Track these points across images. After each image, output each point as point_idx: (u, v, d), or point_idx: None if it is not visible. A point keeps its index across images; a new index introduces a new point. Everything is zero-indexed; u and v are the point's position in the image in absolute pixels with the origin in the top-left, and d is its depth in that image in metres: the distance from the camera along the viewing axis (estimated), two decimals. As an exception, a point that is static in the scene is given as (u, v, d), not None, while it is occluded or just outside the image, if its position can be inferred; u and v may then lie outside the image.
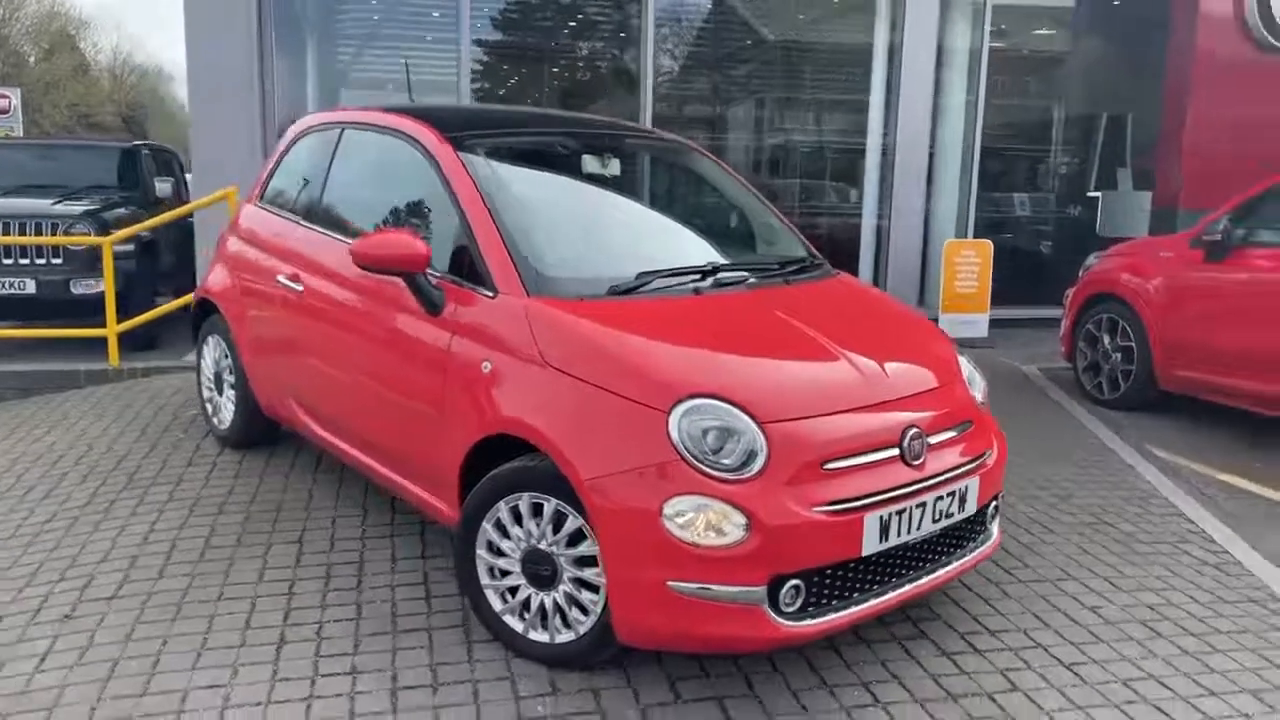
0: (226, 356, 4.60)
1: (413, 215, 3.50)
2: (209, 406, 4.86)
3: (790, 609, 2.66)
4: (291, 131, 4.51)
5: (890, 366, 3.06)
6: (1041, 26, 10.67)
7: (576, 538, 2.82)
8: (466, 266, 3.22)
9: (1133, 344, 6.23)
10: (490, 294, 3.10)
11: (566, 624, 2.89)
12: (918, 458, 2.88)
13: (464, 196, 3.30)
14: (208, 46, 7.37)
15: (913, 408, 2.97)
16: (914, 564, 2.94)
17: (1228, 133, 9.03)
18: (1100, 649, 3.14)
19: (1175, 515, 4.37)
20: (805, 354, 3.02)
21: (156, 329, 7.01)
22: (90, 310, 6.76)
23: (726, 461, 2.62)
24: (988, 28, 9.23)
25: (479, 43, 8.71)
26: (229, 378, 4.62)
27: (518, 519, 2.92)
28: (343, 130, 4.05)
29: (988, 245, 8.59)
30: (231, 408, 4.64)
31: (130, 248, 6.96)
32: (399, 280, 3.29)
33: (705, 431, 2.64)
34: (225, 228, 4.87)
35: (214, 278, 4.65)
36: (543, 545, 2.88)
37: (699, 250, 3.66)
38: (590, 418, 2.75)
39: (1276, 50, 8.91)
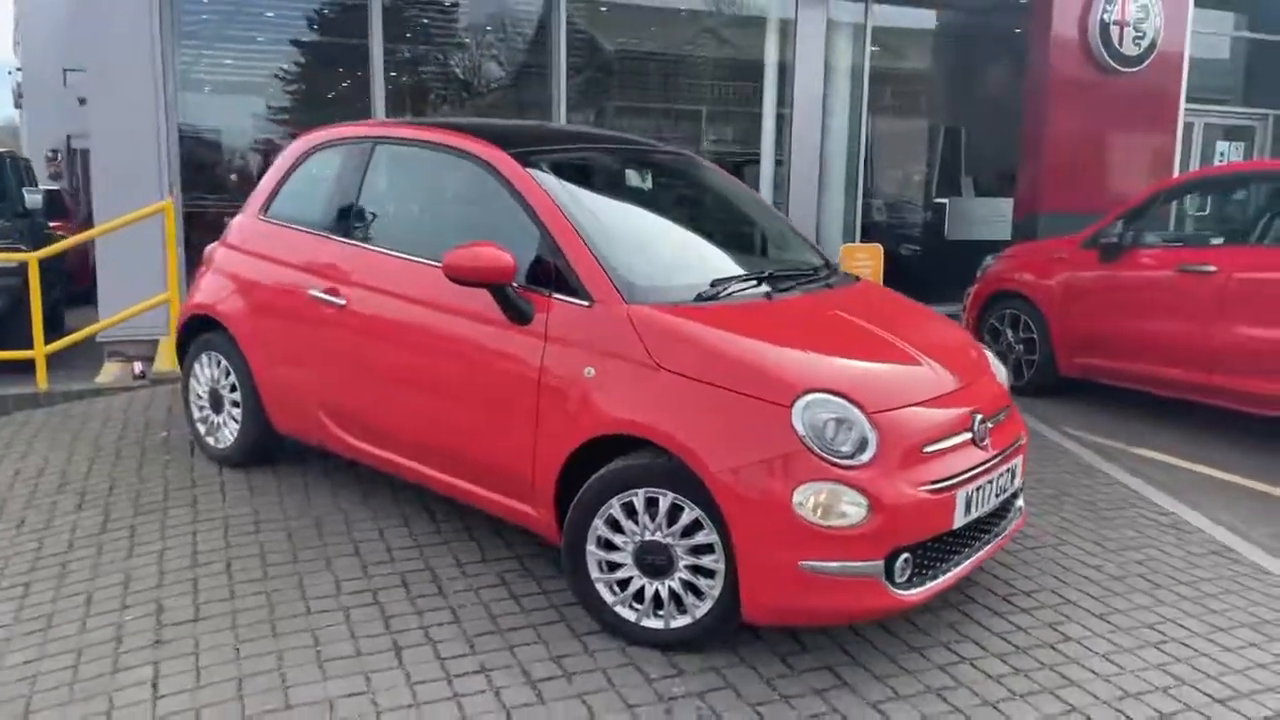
0: (228, 374, 4.51)
1: (477, 228, 3.59)
2: (200, 426, 4.73)
3: (901, 579, 2.97)
4: (297, 147, 4.47)
5: (945, 359, 3.44)
6: (912, 48, 11.52)
7: (692, 528, 3.04)
8: (550, 277, 3.37)
9: (1035, 336, 6.93)
10: (586, 303, 3.27)
11: (681, 610, 3.10)
12: (983, 440, 3.26)
13: (542, 210, 3.45)
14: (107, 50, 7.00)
15: (972, 396, 3.35)
16: (980, 535, 3.32)
17: (1079, 145, 10.06)
18: (1119, 600, 3.62)
19: (1118, 484, 4.97)
20: (880, 350, 3.35)
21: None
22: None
23: (844, 449, 2.91)
24: (868, 48, 9.96)
25: (295, 43, 8.57)
26: (230, 395, 4.53)
27: (629, 514, 3.11)
28: (374, 146, 4.08)
29: (879, 249, 9.25)
30: (234, 426, 4.55)
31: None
32: (479, 291, 3.40)
33: (825, 423, 2.92)
34: (215, 244, 4.75)
35: (211, 293, 4.54)
36: (658, 537, 3.08)
37: (746, 257, 3.93)
38: (714, 415, 2.98)
39: (1117, 72, 10.00)
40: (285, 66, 8.64)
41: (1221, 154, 12.28)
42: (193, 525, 4.03)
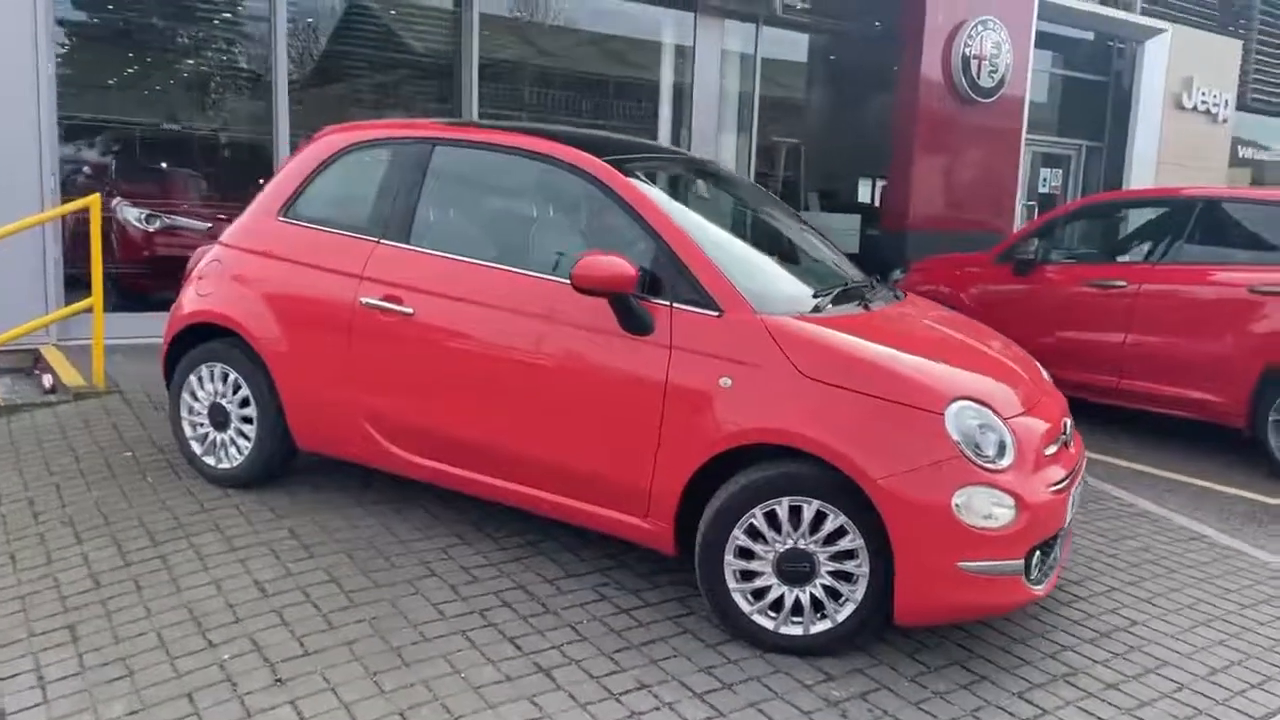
0: (238, 388, 4.15)
1: (572, 237, 3.52)
2: (195, 445, 4.32)
3: (1034, 575, 3.17)
4: (324, 145, 4.17)
5: (1025, 369, 3.68)
6: (789, 79, 11.99)
7: (834, 535, 3.12)
8: (667, 287, 3.35)
9: (948, 345, 7.42)
10: (715, 314, 3.27)
11: (821, 615, 3.17)
12: (1069, 443, 3.52)
13: (655, 221, 3.42)
14: None
15: (1057, 403, 3.61)
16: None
17: (942, 167, 10.87)
18: (1191, 591, 3.96)
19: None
20: (983, 360, 3.55)
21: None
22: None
23: (989, 453, 3.07)
24: (758, 81, 10.39)
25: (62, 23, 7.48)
26: (240, 410, 4.17)
27: (770, 523, 3.14)
28: (433, 148, 3.88)
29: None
30: (244, 443, 4.19)
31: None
32: (587, 300, 3.34)
33: (973, 429, 3.07)
34: (209, 248, 4.36)
35: (221, 300, 4.15)
36: (801, 544, 3.13)
37: (815, 267, 4.02)
38: (868, 423, 3.06)
39: (974, 102, 10.87)
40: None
41: (1044, 179, 13.58)
42: (232, 553, 3.70)
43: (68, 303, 6.82)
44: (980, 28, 10.68)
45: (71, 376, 5.89)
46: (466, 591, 3.49)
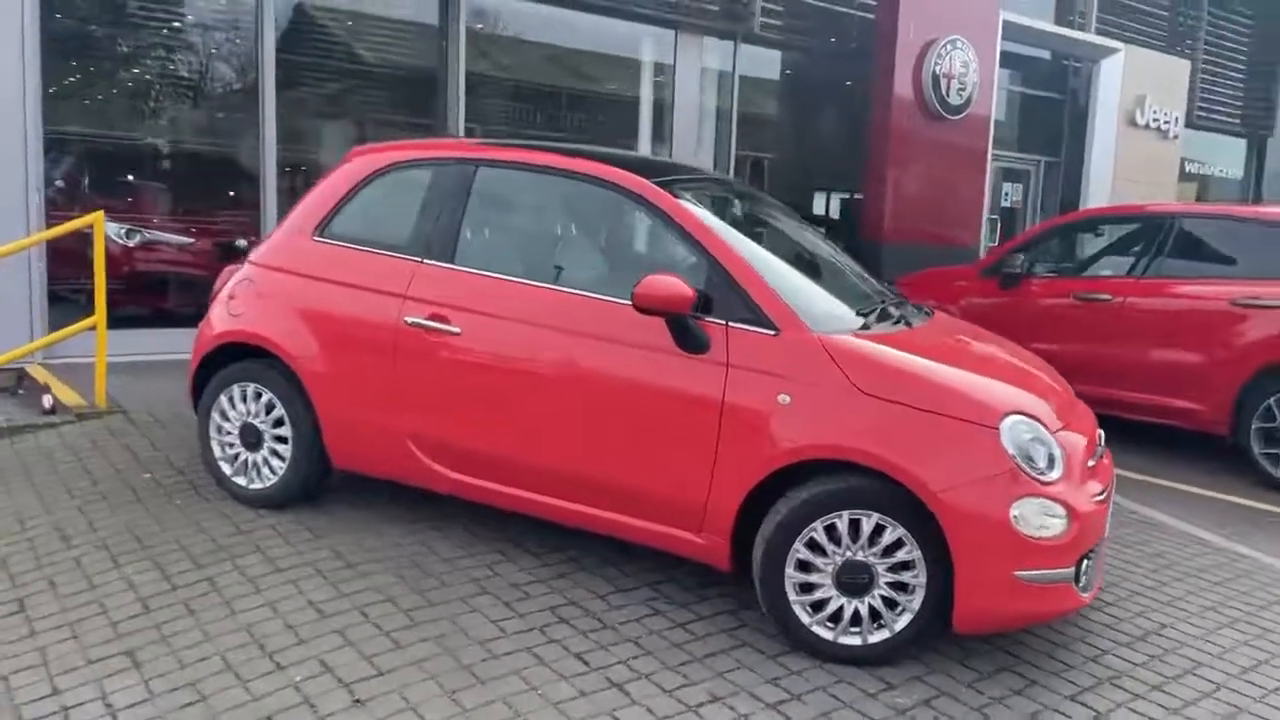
0: (271, 408, 4.13)
1: (621, 258, 3.58)
2: (225, 466, 4.28)
3: (1082, 582, 3.29)
4: (360, 165, 4.17)
5: (1058, 384, 3.82)
6: (765, 95, 12.13)
7: (893, 546, 3.21)
8: (721, 306, 3.42)
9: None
10: (772, 332, 3.36)
11: (878, 625, 3.26)
12: (1103, 455, 3.66)
13: (708, 242, 3.50)
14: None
15: (1088, 417, 3.75)
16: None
17: (913, 182, 11.11)
18: (1210, 595, 4.12)
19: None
20: (1022, 376, 3.67)
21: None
22: None
23: (1040, 465, 3.19)
24: (736, 98, 10.54)
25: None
26: (273, 430, 4.15)
27: (830, 536, 3.23)
28: (476, 169, 3.91)
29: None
30: (278, 463, 4.17)
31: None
32: (641, 319, 3.40)
33: (1027, 442, 3.19)
34: (238, 266, 4.34)
35: (256, 319, 4.13)
36: (860, 556, 3.22)
37: (849, 284, 4.12)
38: (926, 438, 3.16)
39: (944, 119, 11.14)
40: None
41: (1006, 194, 13.94)
42: (279, 574, 3.68)
43: (51, 320, 6.71)
44: (949, 47, 10.95)
45: (70, 396, 5.79)
46: (522, 608, 3.52)
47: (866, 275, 4.34)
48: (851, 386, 3.24)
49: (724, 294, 3.44)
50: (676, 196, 3.63)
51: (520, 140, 4.11)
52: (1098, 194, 13.75)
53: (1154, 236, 6.82)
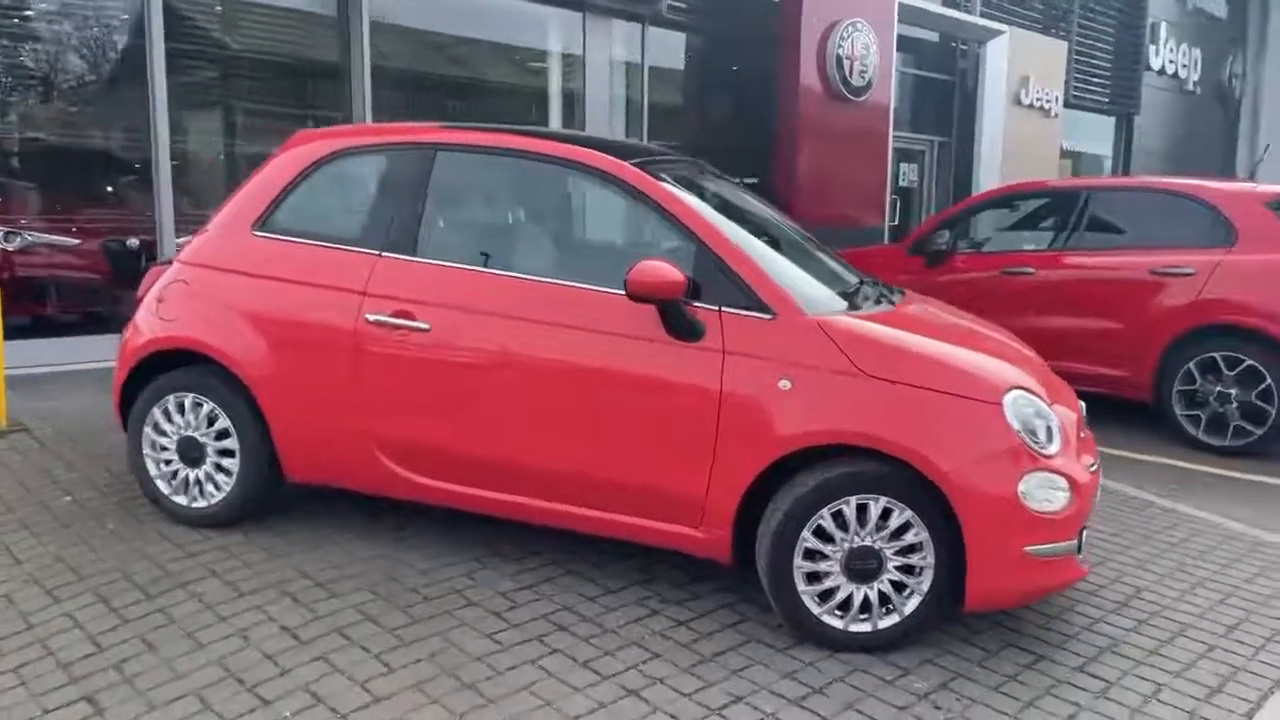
0: (212, 420, 3.81)
1: (603, 243, 3.41)
2: (162, 484, 3.94)
3: (1082, 553, 3.30)
4: (302, 154, 3.85)
5: (1038, 358, 3.83)
6: (673, 81, 12.03)
7: (900, 530, 3.15)
8: (713, 291, 3.29)
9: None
10: (768, 316, 3.24)
11: (888, 610, 3.19)
12: (1087, 429, 3.69)
13: (695, 225, 3.36)
14: None
15: (1069, 391, 3.76)
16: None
17: (819, 163, 11.20)
18: (1172, 556, 4.21)
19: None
20: (1009, 352, 3.65)
21: None
22: None
23: (1041, 439, 3.17)
24: (646, 84, 10.41)
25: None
26: (217, 444, 3.84)
27: (838, 523, 3.15)
28: (434, 153, 3.67)
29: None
30: (224, 479, 3.85)
31: None
32: (628, 307, 3.25)
33: (1029, 416, 3.16)
34: (165, 266, 3.98)
35: (193, 323, 3.79)
36: (869, 542, 3.15)
37: (826, 265, 4.02)
38: (932, 417, 3.11)
39: (848, 101, 11.26)
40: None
41: (903, 174, 14.22)
42: (243, 599, 3.39)
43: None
44: (851, 29, 11.06)
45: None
46: (514, 618, 3.33)
47: (834, 255, 4.27)
48: (854, 368, 3.16)
49: (715, 278, 3.31)
50: (657, 179, 3.48)
51: (489, 125, 3.87)
52: (988, 172, 14.17)
53: (1073, 209, 7.00)
